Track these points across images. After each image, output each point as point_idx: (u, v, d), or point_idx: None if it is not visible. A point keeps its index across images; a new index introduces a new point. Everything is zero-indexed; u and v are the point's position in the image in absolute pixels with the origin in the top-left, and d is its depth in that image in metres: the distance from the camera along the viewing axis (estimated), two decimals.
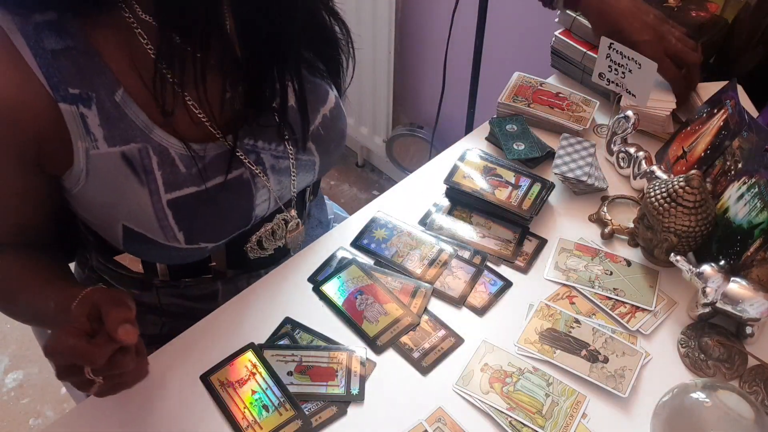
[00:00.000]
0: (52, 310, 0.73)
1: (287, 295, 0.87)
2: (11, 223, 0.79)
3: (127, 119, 0.71)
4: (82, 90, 0.68)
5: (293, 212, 0.88)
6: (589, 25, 1.15)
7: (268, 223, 0.87)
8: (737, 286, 0.80)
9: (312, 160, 0.87)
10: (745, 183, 0.86)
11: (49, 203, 0.79)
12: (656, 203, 0.86)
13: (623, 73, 1.03)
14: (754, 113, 1.06)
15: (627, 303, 0.86)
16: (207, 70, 0.70)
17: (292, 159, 0.84)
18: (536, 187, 0.97)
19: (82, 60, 0.68)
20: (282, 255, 0.92)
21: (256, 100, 0.77)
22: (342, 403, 0.76)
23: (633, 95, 1.04)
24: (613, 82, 1.05)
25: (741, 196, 0.86)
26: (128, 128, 0.71)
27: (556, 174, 0.98)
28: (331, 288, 0.87)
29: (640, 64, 1.00)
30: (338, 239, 0.94)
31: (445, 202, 0.99)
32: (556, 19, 1.24)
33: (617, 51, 1.02)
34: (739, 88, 1.02)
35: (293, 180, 0.85)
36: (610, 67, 1.04)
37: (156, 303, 0.92)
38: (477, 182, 0.98)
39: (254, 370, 0.78)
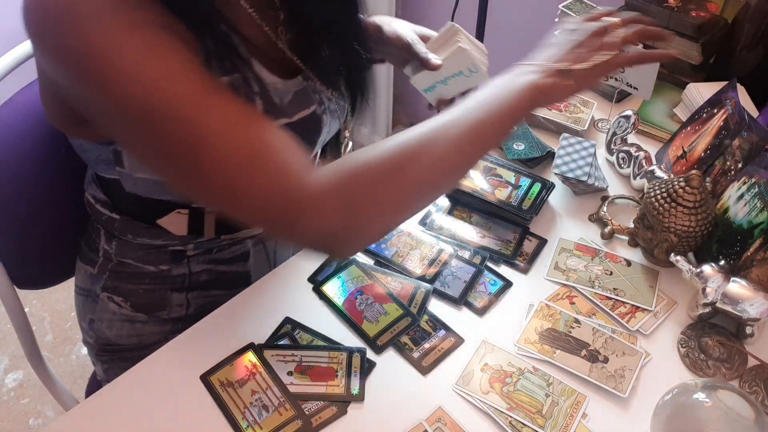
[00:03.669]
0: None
1: (287, 295, 0.87)
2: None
3: (230, 50, 0.71)
4: (192, 19, 0.67)
5: (347, 132, 0.93)
6: None
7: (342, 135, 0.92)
8: (737, 286, 0.80)
9: (342, 106, 0.89)
10: (745, 183, 0.86)
11: None
12: (656, 203, 0.86)
13: (623, 68, 1.03)
14: (754, 113, 1.06)
15: (627, 303, 0.86)
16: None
17: (338, 104, 0.87)
18: (536, 187, 0.97)
19: None
20: None
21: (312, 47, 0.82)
22: (342, 403, 0.76)
23: (635, 89, 1.04)
24: (612, 77, 1.06)
25: (741, 196, 0.86)
26: (233, 58, 0.72)
27: (556, 174, 0.98)
28: (331, 288, 0.87)
29: None
30: None
31: (445, 202, 0.99)
32: (556, 19, 1.24)
33: None
34: (739, 88, 1.02)
35: (340, 124, 0.88)
36: None
37: (186, 273, 0.91)
38: (477, 182, 0.98)
39: (254, 370, 0.78)
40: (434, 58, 0.88)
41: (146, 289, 0.91)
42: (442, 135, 0.67)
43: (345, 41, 0.86)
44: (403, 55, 0.93)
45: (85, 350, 1.07)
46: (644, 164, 1.00)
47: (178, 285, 0.91)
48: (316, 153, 0.91)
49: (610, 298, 0.86)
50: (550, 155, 1.04)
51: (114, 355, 0.96)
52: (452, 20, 1.57)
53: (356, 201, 0.64)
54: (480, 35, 1.58)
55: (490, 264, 0.91)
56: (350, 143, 0.97)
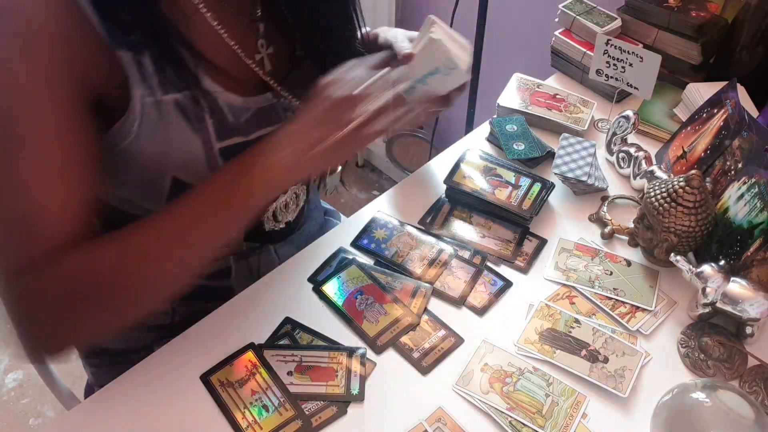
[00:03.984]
0: (238, 183, 0.70)
1: (287, 295, 0.87)
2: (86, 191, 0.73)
3: (178, 67, 0.70)
4: (137, 36, 0.67)
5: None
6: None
7: (282, 195, 0.89)
8: (737, 286, 0.80)
9: None
10: (745, 183, 0.86)
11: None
12: (656, 203, 0.86)
13: (623, 67, 1.03)
14: (754, 113, 1.06)
15: (627, 303, 0.86)
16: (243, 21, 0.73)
17: None
18: (536, 187, 0.97)
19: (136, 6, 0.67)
20: (290, 230, 0.95)
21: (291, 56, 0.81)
22: (342, 403, 0.76)
23: (635, 88, 1.04)
24: (612, 77, 1.06)
25: (741, 196, 0.86)
26: (180, 76, 0.71)
27: (556, 174, 0.98)
28: (331, 288, 0.87)
29: (641, 58, 1.00)
30: (338, 239, 0.94)
31: (445, 202, 0.99)
32: (556, 19, 1.24)
33: (615, 47, 1.02)
34: (739, 88, 1.02)
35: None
36: (608, 63, 1.05)
37: None
38: (477, 182, 0.98)
39: (254, 370, 0.78)
40: (406, 48, 0.82)
41: None
42: (165, 248, 0.69)
43: (338, 54, 0.83)
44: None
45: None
46: (644, 164, 1.00)
47: None
48: None
49: (610, 298, 0.86)
50: (550, 155, 1.04)
51: (103, 359, 0.97)
52: (452, 20, 1.57)
53: (61, 312, 0.68)
54: (480, 35, 1.58)
55: (490, 264, 0.91)
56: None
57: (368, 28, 0.96)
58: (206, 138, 0.74)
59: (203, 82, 0.73)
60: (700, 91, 1.08)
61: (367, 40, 0.95)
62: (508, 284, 0.88)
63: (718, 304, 0.81)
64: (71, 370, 1.81)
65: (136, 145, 0.73)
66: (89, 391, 1.05)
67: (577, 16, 1.20)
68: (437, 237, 0.94)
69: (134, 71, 0.68)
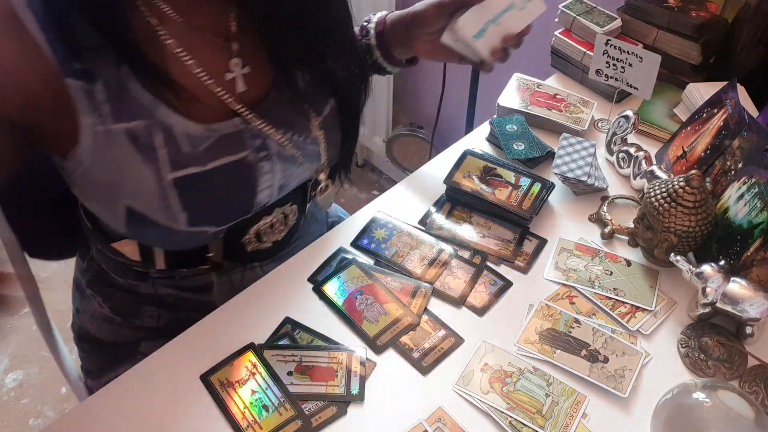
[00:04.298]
0: None
1: (287, 295, 0.87)
2: None
3: (132, 95, 0.69)
4: (87, 65, 0.67)
5: (323, 176, 0.88)
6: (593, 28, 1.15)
7: (267, 216, 0.87)
8: (737, 286, 0.80)
9: (316, 151, 0.84)
10: (745, 183, 0.86)
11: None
12: (656, 203, 0.86)
13: (622, 67, 1.03)
14: (754, 113, 1.06)
15: (627, 303, 0.86)
16: (208, 41, 0.71)
17: (300, 148, 0.82)
18: (536, 187, 0.97)
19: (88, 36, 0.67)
20: (279, 249, 0.92)
21: (272, 81, 0.78)
22: (342, 403, 0.76)
23: (635, 88, 1.04)
24: (612, 77, 1.06)
25: (741, 196, 0.86)
26: (133, 105, 0.70)
27: (556, 174, 0.98)
28: (331, 288, 0.87)
29: (641, 58, 1.00)
30: (338, 239, 0.94)
31: (445, 202, 0.99)
32: (556, 19, 1.24)
33: (615, 47, 1.02)
34: (739, 88, 1.02)
35: (299, 165, 0.84)
36: (607, 63, 1.05)
37: (152, 293, 0.92)
38: (477, 182, 0.98)
39: (254, 370, 0.78)
40: None
41: (121, 296, 0.93)
42: None
43: (337, 60, 0.82)
44: (437, 20, 0.85)
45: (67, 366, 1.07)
46: (644, 164, 1.00)
47: (148, 300, 0.93)
48: (267, 203, 0.84)
49: (610, 298, 0.86)
50: (550, 155, 1.04)
51: (93, 346, 0.98)
52: None
53: None
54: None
55: (490, 264, 0.91)
56: (328, 187, 0.92)
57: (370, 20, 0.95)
58: (157, 169, 0.72)
59: (158, 110, 0.71)
60: (700, 91, 1.08)
61: (384, 34, 0.93)
62: (508, 284, 0.88)
63: (718, 304, 0.81)
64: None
65: (89, 174, 0.73)
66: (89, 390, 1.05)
67: (577, 16, 1.20)
68: (437, 237, 0.94)
69: (83, 100, 0.67)
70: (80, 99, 0.67)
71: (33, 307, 0.91)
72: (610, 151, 1.06)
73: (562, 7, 1.22)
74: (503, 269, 0.91)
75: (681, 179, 0.85)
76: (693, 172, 0.84)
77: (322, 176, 0.89)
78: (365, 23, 0.96)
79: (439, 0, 0.85)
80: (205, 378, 0.77)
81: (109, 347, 0.96)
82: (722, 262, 0.82)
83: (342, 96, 0.86)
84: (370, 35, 0.95)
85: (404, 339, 0.82)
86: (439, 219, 0.97)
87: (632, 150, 1.02)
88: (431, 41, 0.89)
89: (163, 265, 0.89)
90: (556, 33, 1.23)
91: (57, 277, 2.03)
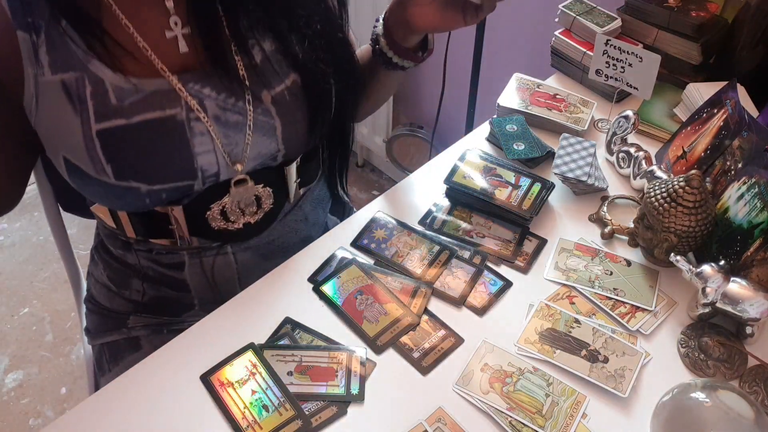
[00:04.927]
0: None
1: (287, 295, 0.87)
2: None
3: (69, 47, 0.73)
4: (34, 18, 0.71)
5: (239, 166, 0.83)
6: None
7: (227, 196, 0.85)
8: (737, 286, 0.80)
9: (271, 124, 0.83)
10: (745, 183, 0.86)
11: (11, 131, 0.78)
12: (656, 203, 0.86)
13: (622, 67, 1.03)
14: (754, 113, 1.06)
15: (627, 303, 0.86)
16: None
17: (250, 118, 0.81)
18: (536, 187, 0.97)
19: None
20: (252, 233, 0.91)
21: (207, 46, 0.78)
22: (342, 403, 0.76)
23: (635, 88, 1.04)
24: (612, 77, 1.06)
25: (741, 196, 0.86)
26: (69, 57, 0.73)
27: (556, 174, 0.98)
28: (331, 288, 0.87)
29: (641, 58, 1.00)
30: (338, 239, 0.94)
31: (445, 202, 0.99)
32: (556, 19, 1.24)
33: (614, 47, 1.02)
34: (739, 88, 1.02)
35: (247, 142, 0.82)
36: (607, 63, 1.05)
37: (137, 264, 0.95)
38: (477, 182, 0.98)
39: (254, 370, 0.78)
40: None
41: (116, 267, 0.97)
42: None
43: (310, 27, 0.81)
44: None
45: (84, 351, 1.11)
46: (644, 164, 1.00)
47: (135, 273, 0.96)
48: (218, 173, 0.82)
49: (610, 298, 0.86)
50: (550, 155, 1.04)
51: (94, 307, 1.03)
52: None
53: None
54: (480, 35, 1.58)
55: (490, 264, 0.91)
56: (294, 183, 0.89)
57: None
58: (85, 119, 0.75)
59: (90, 63, 0.74)
60: (700, 91, 1.08)
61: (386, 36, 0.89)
62: (508, 284, 0.89)
63: (718, 304, 0.81)
64: (71, 370, 1.81)
65: (36, 125, 0.77)
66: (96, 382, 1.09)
67: (577, 16, 1.20)
68: (437, 237, 0.94)
69: (28, 50, 0.71)
70: (25, 50, 0.71)
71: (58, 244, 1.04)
72: (610, 151, 1.06)
73: (562, 7, 1.22)
74: (503, 269, 0.91)
75: (681, 179, 0.85)
76: (693, 172, 0.84)
77: (238, 166, 0.83)
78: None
79: None
80: (205, 378, 0.77)
81: (105, 311, 1.01)
82: (722, 262, 0.82)
83: (307, 77, 0.84)
84: (378, 23, 0.92)
85: (404, 339, 0.82)
86: (439, 219, 0.97)
87: (632, 150, 1.02)
88: (423, 3, 0.84)
89: (132, 233, 0.90)
90: (556, 33, 1.23)
91: (57, 277, 2.03)
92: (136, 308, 0.99)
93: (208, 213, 0.86)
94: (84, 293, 1.11)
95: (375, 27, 0.93)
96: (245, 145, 0.82)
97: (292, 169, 0.90)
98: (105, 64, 0.74)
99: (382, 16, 0.92)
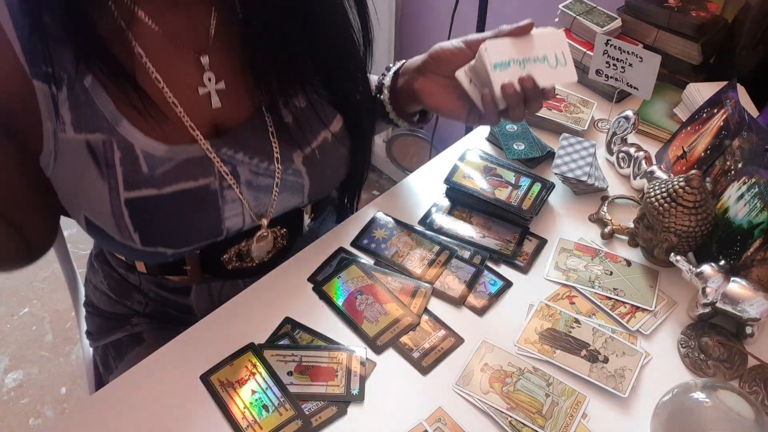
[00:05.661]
0: None
1: (287, 295, 0.87)
2: None
3: (95, 107, 0.68)
4: (55, 69, 0.65)
5: (264, 221, 0.83)
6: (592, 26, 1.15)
7: (249, 238, 0.85)
8: (737, 286, 0.80)
9: (300, 183, 0.82)
10: (745, 183, 0.86)
11: (27, 175, 0.73)
12: (656, 203, 0.86)
13: (623, 68, 1.03)
14: (754, 113, 1.06)
15: (627, 303, 0.86)
16: (181, 58, 0.68)
17: (277, 178, 0.80)
18: (536, 187, 0.97)
19: (57, 38, 0.65)
20: (269, 268, 0.90)
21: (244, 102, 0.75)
22: (342, 403, 0.76)
23: (635, 88, 1.04)
24: (612, 77, 1.06)
25: (741, 196, 0.86)
26: (95, 117, 0.68)
27: (556, 174, 0.98)
28: (331, 288, 0.87)
29: (641, 58, 1.00)
30: (338, 239, 0.94)
31: (445, 202, 0.99)
32: (556, 19, 1.24)
33: (615, 47, 1.02)
34: (739, 88, 1.02)
35: (274, 200, 0.82)
36: (608, 63, 1.05)
37: (138, 284, 0.95)
38: (477, 182, 0.98)
39: (254, 370, 0.78)
40: (523, 23, 0.72)
41: (116, 278, 0.96)
42: None
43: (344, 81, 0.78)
44: (460, 56, 0.79)
45: (84, 350, 1.11)
46: (644, 164, 1.00)
47: (137, 289, 0.96)
48: (243, 228, 0.82)
49: (610, 298, 0.86)
50: (550, 155, 1.04)
51: (94, 310, 1.02)
52: (452, 20, 1.57)
53: None
54: None
55: (490, 264, 0.91)
56: (268, 236, 0.87)
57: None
58: (113, 185, 0.70)
59: (119, 125, 0.69)
60: (700, 91, 1.08)
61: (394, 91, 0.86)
62: (508, 284, 0.88)
63: (718, 304, 0.81)
64: (71, 370, 1.81)
65: (55, 178, 0.72)
66: (97, 382, 1.09)
67: (577, 16, 1.20)
68: (437, 237, 0.94)
69: (47, 104, 0.66)
70: (44, 103, 0.66)
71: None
72: (610, 151, 1.06)
73: (562, 7, 1.22)
74: (503, 269, 0.91)
75: (681, 179, 0.85)
76: (693, 172, 0.84)
77: (264, 221, 0.83)
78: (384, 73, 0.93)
79: (474, 37, 0.78)
80: (205, 378, 0.77)
81: (107, 314, 1.00)
82: (722, 262, 0.82)
83: (349, 120, 0.83)
84: (388, 73, 0.91)
85: (404, 339, 0.82)
86: (439, 219, 0.97)
87: (632, 150, 1.02)
88: (438, 83, 0.82)
89: (143, 268, 0.90)
90: None
91: (57, 277, 2.03)
92: (139, 320, 0.98)
93: (224, 256, 0.86)
94: (82, 298, 1.09)
95: (384, 75, 0.92)
96: (272, 202, 0.82)
97: (308, 209, 0.91)
98: (136, 126, 0.69)
99: (395, 68, 0.90)
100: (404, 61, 0.91)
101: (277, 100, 0.77)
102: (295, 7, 0.71)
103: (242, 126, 0.77)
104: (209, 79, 0.73)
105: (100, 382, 1.09)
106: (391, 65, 0.93)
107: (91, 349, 1.07)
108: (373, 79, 0.94)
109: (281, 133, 0.78)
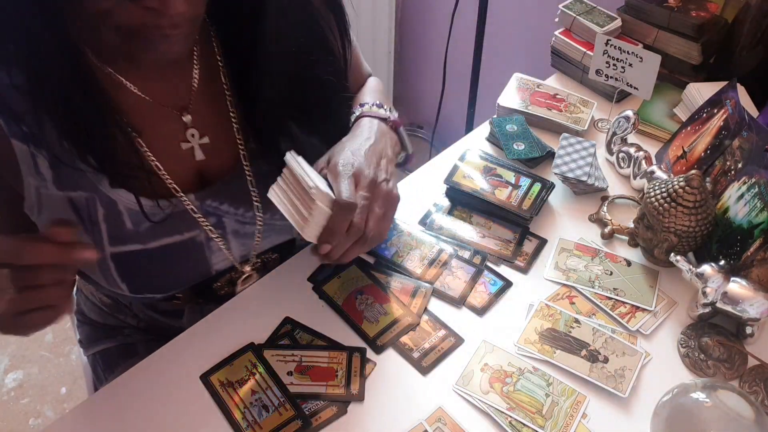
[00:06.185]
0: None
1: (287, 295, 0.87)
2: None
3: (77, 167, 0.67)
4: (33, 129, 0.65)
5: (247, 268, 0.85)
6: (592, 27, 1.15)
7: (246, 265, 0.86)
8: (737, 286, 0.80)
9: (288, 224, 0.81)
10: (745, 183, 0.86)
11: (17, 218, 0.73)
12: (656, 203, 0.86)
13: (623, 67, 1.03)
14: (754, 113, 1.06)
15: (627, 303, 0.86)
16: (164, 117, 0.68)
17: (259, 225, 0.81)
18: (536, 187, 0.97)
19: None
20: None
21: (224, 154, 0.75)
22: (342, 403, 0.76)
23: (635, 88, 1.04)
24: (612, 77, 1.06)
25: (741, 196, 0.86)
26: (77, 176, 0.68)
27: (556, 174, 0.98)
28: (331, 288, 0.87)
29: (641, 58, 1.00)
30: None
31: (445, 202, 0.99)
32: (556, 19, 1.24)
33: (615, 47, 1.02)
34: (739, 88, 1.02)
35: (257, 244, 0.84)
36: (608, 63, 1.05)
37: (129, 305, 0.95)
38: (477, 182, 0.98)
39: (254, 370, 0.78)
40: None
41: (108, 292, 0.95)
42: None
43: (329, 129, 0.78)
44: None
45: (82, 354, 1.11)
46: (644, 164, 1.00)
47: (128, 310, 0.96)
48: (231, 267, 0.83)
49: (610, 298, 0.86)
50: (550, 155, 1.04)
51: (85, 318, 1.02)
52: (452, 21, 1.57)
53: None
54: (480, 35, 1.58)
55: (490, 264, 0.91)
56: (252, 278, 0.88)
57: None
58: (98, 241, 0.71)
59: (102, 183, 0.69)
60: (700, 91, 1.08)
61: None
62: (508, 284, 0.88)
63: (718, 304, 0.81)
64: (71, 370, 1.81)
65: (39, 225, 0.72)
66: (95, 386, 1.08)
67: (577, 16, 1.20)
68: (437, 237, 0.94)
69: (27, 161, 0.66)
70: (24, 162, 0.66)
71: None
72: (610, 151, 1.06)
73: (562, 7, 1.22)
74: (503, 269, 0.91)
75: (681, 179, 0.85)
76: (693, 172, 0.84)
77: (246, 268, 0.84)
78: None
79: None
80: (205, 378, 0.77)
81: (97, 324, 1.00)
82: (722, 262, 0.82)
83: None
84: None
85: (404, 339, 0.82)
86: (439, 219, 0.97)
87: (632, 150, 1.02)
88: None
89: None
90: (556, 33, 1.23)
91: None
92: (130, 333, 0.98)
93: (216, 284, 0.87)
94: (74, 306, 1.08)
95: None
96: (255, 246, 0.84)
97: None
98: (123, 185, 0.69)
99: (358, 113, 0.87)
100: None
101: (259, 152, 0.78)
102: (282, 67, 0.72)
103: (226, 176, 0.78)
104: (192, 135, 0.74)
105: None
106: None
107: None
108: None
109: (262, 182, 0.78)
